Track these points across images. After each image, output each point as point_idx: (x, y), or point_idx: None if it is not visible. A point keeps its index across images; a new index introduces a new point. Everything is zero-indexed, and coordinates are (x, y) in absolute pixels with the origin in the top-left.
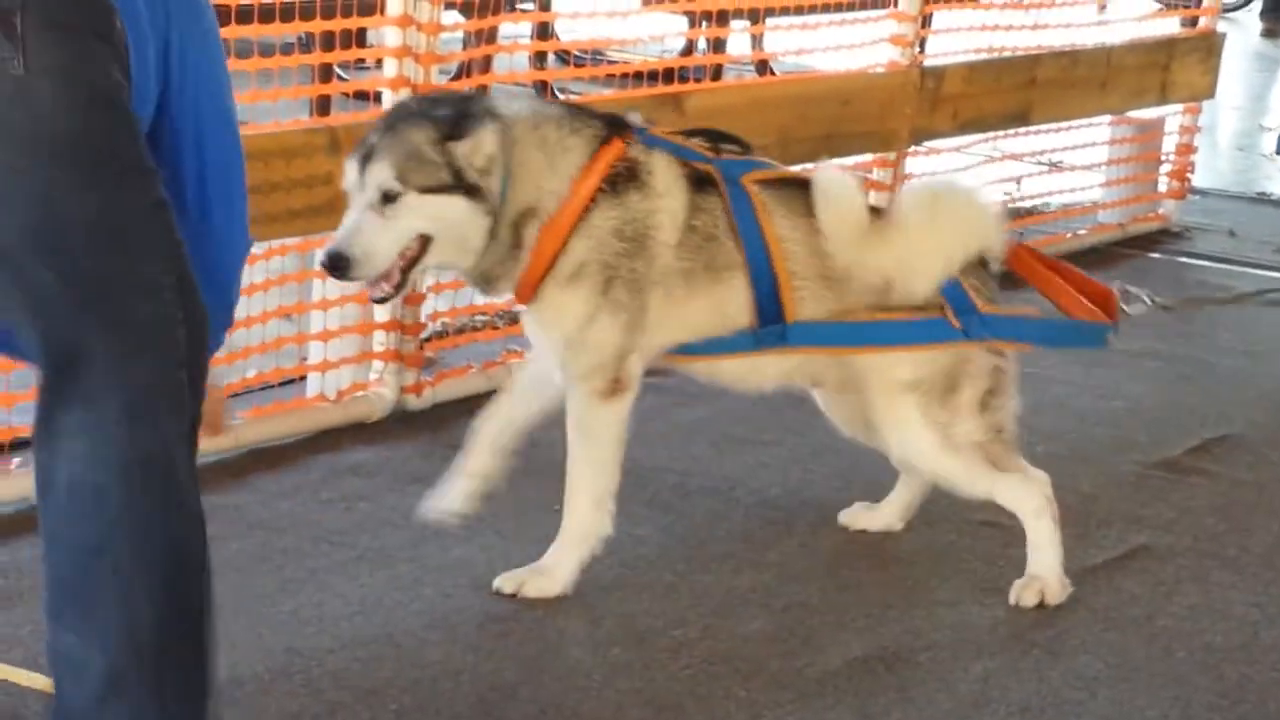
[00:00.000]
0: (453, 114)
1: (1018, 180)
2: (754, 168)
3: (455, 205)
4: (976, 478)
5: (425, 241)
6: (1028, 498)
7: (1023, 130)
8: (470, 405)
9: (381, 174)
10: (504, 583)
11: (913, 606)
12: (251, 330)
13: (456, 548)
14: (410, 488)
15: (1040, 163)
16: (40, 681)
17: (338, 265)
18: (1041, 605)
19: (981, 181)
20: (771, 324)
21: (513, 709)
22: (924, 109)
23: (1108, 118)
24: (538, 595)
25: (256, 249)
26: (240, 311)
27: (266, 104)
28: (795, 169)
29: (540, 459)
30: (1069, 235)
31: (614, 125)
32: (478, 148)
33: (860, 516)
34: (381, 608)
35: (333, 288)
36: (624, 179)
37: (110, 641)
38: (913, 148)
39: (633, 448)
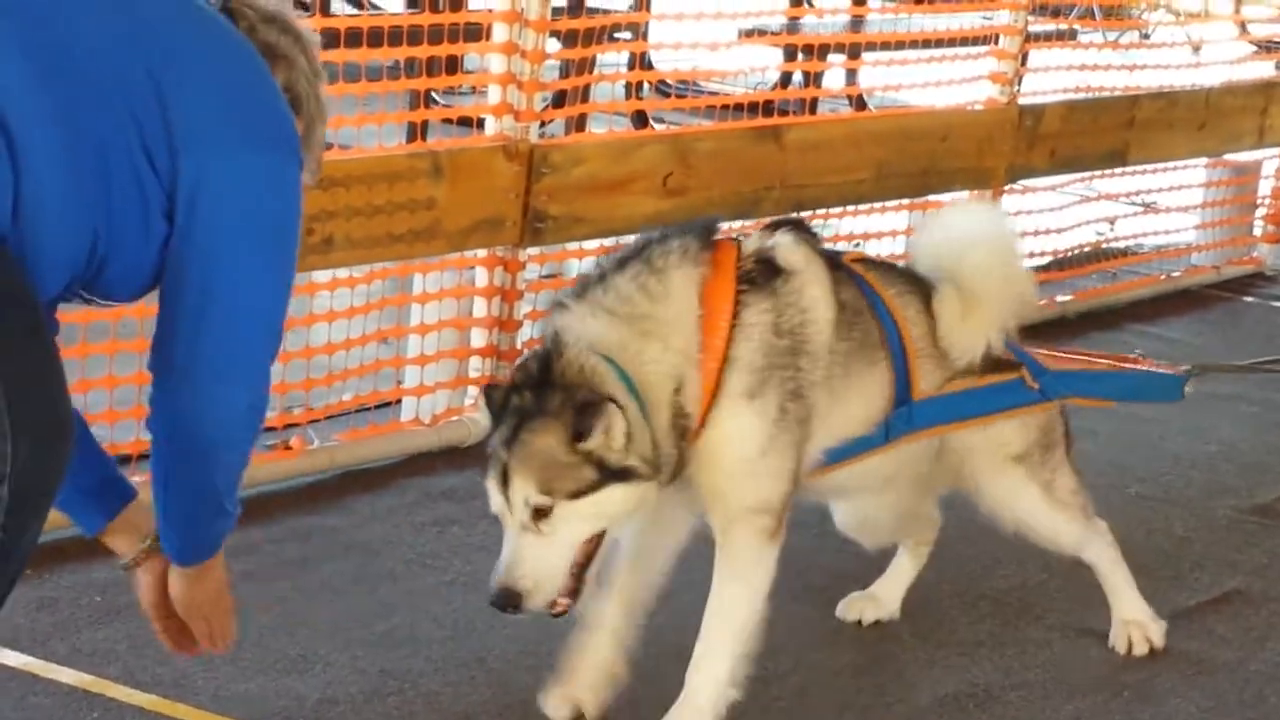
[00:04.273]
0: (570, 404)
1: (1111, 221)
2: (841, 254)
3: (613, 495)
4: (1080, 530)
5: (597, 535)
6: (1109, 547)
7: (1118, 170)
8: None
9: (524, 490)
10: None
11: (1004, 645)
12: (350, 353)
13: None
14: None
15: (1135, 203)
16: (139, 698)
17: (509, 602)
18: (1151, 651)
19: (1075, 221)
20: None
21: None
22: (1021, 147)
23: (1204, 160)
24: None
25: (356, 272)
26: (339, 334)
27: (372, 127)
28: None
29: None
30: (1162, 277)
31: (706, 233)
32: (610, 437)
33: (857, 606)
34: (474, 631)
35: (430, 313)
36: (761, 271)
37: None
38: (1008, 185)
39: None
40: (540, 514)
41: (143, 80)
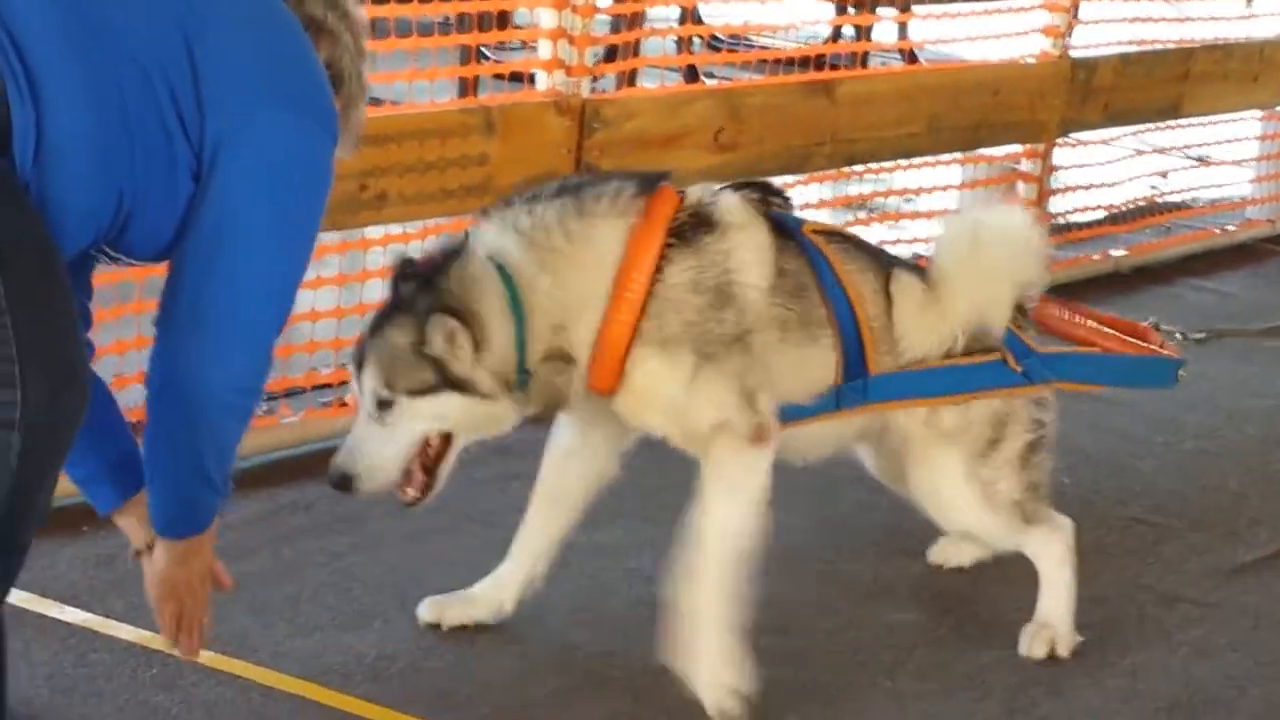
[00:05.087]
0: (429, 305)
1: (1165, 175)
2: (803, 222)
3: (450, 403)
4: (1010, 533)
5: (448, 434)
6: (1054, 548)
7: (1171, 124)
8: None
9: (370, 380)
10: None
11: None
12: None
13: (603, 530)
14: None
15: (1188, 157)
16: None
17: (341, 483)
18: (1052, 656)
19: (1128, 175)
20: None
21: (662, 692)
22: (1074, 100)
23: (1258, 113)
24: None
25: (409, 228)
26: None
27: (423, 83)
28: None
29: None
30: (1217, 231)
31: (647, 182)
32: (455, 347)
33: (948, 551)
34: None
35: None
36: (692, 225)
37: None
38: (1061, 139)
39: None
40: (384, 405)
41: (175, 40)
